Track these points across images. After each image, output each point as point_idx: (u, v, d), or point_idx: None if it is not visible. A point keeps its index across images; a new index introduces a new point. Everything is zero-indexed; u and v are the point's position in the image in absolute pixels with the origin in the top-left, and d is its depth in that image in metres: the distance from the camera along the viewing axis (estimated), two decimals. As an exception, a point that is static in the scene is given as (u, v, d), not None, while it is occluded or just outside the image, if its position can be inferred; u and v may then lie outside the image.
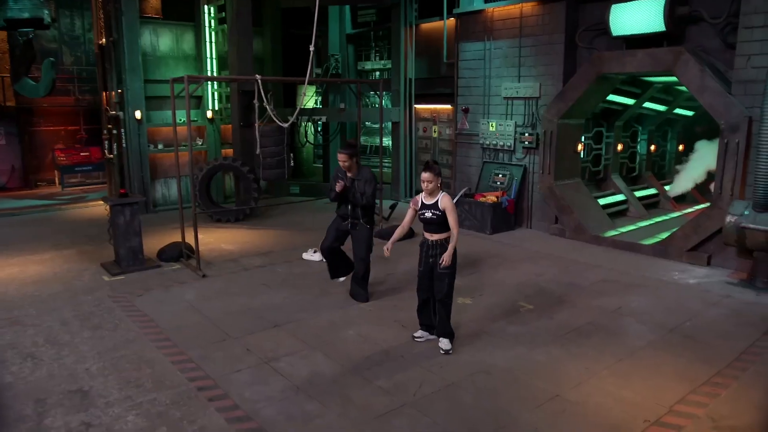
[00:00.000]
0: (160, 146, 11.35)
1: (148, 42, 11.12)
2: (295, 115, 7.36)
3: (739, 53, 7.11)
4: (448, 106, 11.76)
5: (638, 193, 10.84)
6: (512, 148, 9.92)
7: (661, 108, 10.85)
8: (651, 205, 10.98)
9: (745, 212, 6.83)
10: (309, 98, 14.00)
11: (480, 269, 7.30)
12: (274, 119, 7.59)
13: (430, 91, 12.19)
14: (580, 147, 9.66)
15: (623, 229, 9.30)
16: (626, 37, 8.18)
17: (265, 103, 7.46)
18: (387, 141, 15.91)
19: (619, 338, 5.13)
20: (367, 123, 16.98)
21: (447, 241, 4.75)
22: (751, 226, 6.71)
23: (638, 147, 11.32)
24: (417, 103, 12.51)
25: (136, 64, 10.58)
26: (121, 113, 10.68)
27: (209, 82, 11.77)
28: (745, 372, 4.44)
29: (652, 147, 11.64)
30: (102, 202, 8.20)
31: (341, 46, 14.16)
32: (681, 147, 12.29)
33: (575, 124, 9.46)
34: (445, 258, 4.67)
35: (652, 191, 11.24)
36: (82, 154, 14.84)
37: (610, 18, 8.18)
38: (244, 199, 10.59)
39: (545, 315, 5.70)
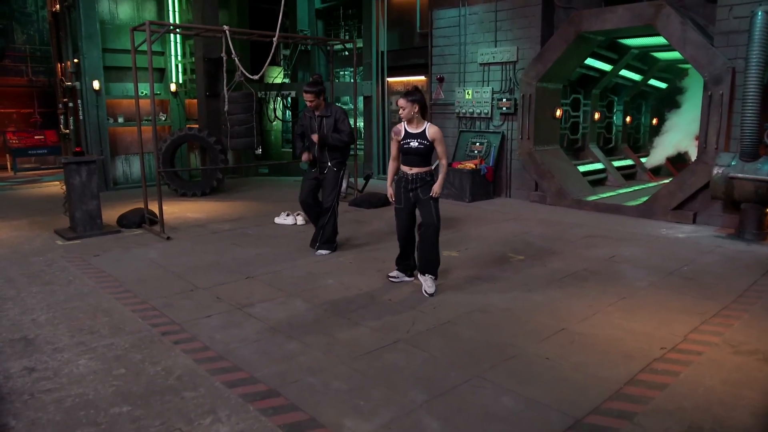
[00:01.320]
0: (120, 120, 10.68)
1: (106, 9, 10.45)
2: (265, 68, 6.89)
3: (721, 4, 6.98)
4: (422, 78, 11.44)
5: (616, 164, 10.72)
6: (489, 116, 9.65)
7: (637, 77, 10.78)
8: (628, 176, 10.87)
9: (732, 163, 6.69)
10: (277, 75, 13.49)
11: (462, 229, 6.97)
12: (245, 74, 7.13)
13: (404, 63, 11.86)
14: (559, 113, 9.45)
15: (603, 195, 9.14)
16: (606, -7, 8.00)
17: (233, 55, 6.97)
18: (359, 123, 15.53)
19: (619, 280, 4.86)
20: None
21: (428, 175, 4.42)
22: (739, 175, 6.57)
23: (614, 118, 11.22)
24: (390, 76, 12.16)
25: (93, 30, 9.91)
26: (77, 83, 9.99)
27: (172, 55, 11.16)
28: (754, 306, 4.20)
29: (628, 119, 11.57)
30: (57, 183, 7.54)
31: (310, 22, 13.73)
32: (655, 120, 12.27)
33: (553, 89, 9.25)
34: (436, 188, 4.33)
35: (629, 162, 11.16)
36: (36, 137, 13.97)
37: (590, -27, 7.99)
38: (210, 173, 10.02)
39: (537, 263, 5.39)
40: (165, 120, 11.34)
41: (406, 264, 4.77)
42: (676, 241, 6.41)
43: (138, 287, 4.64)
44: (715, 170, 6.77)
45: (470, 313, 4.06)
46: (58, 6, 10.19)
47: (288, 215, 7.41)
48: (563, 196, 8.72)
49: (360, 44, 12.13)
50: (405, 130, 4.41)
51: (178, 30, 8.17)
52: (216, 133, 10.04)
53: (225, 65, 7.23)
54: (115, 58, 10.52)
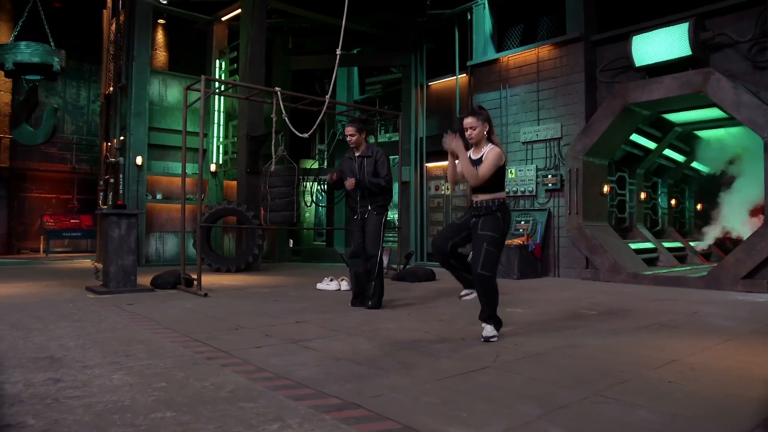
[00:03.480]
0: (159, 196, 10.70)
1: (156, 92, 10.94)
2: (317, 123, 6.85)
3: (773, 68, 6.93)
4: (444, 163, 11.43)
5: (666, 245, 10.22)
6: (534, 193, 9.43)
7: (680, 158, 10.60)
8: (678, 258, 10.31)
9: (811, 222, 6.21)
10: (313, 162, 13.71)
11: (518, 295, 6.43)
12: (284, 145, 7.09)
13: (443, 148, 11.92)
14: (606, 188, 9.19)
15: (661, 271, 8.55)
16: (649, 66, 8.05)
17: (283, 115, 6.99)
18: (393, 214, 15.46)
19: (713, 328, 4.24)
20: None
21: (494, 203, 3.73)
22: (823, 234, 6.04)
23: (659, 200, 10.89)
24: (428, 161, 12.22)
25: (142, 109, 10.28)
26: (121, 159, 10.17)
27: (214, 136, 11.44)
28: None
29: (673, 201, 11.24)
30: (89, 261, 7.33)
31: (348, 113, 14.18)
32: (699, 206, 11.91)
33: (599, 164, 9.07)
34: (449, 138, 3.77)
35: (678, 244, 10.63)
36: (72, 220, 14.10)
37: (632, 49, 8.11)
38: (246, 248, 9.76)
39: (615, 317, 4.80)
40: (203, 199, 11.32)
41: (467, 279, 4.01)
42: (759, 304, 5.76)
43: (177, 325, 4.17)
44: (794, 231, 6.27)
45: (560, 349, 3.48)
46: (112, 88, 10.69)
47: (331, 280, 6.97)
48: (618, 271, 8.16)
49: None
50: (470, 156, 3.88)
51: (230, 89, 8.22)
52: (255, 209, 9.94)
53: (274, 126, 7.22)
54: (159, 136, 10.81)
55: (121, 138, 10.37)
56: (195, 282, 6.58)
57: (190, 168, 11.51)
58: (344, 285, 6.89)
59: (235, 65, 11.17)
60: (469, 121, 3.84)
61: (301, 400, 2.38)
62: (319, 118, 7.00)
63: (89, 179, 14.91)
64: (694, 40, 7.50)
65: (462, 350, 3.43)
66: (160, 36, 14.24)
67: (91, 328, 4.02)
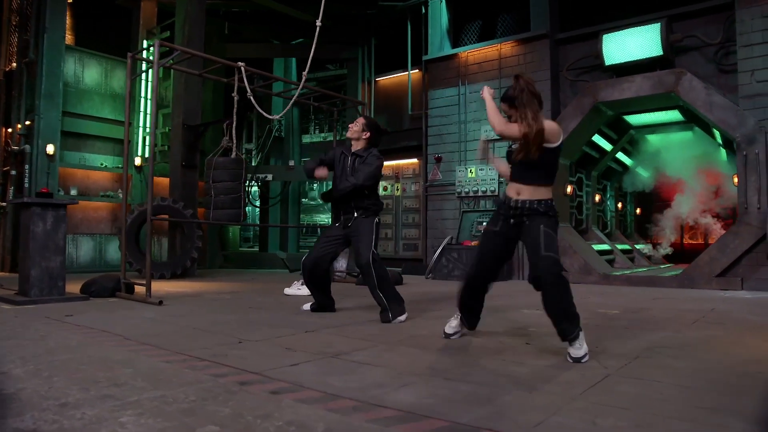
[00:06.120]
0: (73, 192, 9.13)
1: (71, 71, 9.38)
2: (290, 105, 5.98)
3: (742, 70, 7.06)
4: (415, 160, 10.91)
5: (618, 247, 10.33)
6: (496, 193, 9.09)
7: (629, 161, 10.82)
8: (629, 260, 10.48)
9: (790, 219, 6.31)
10: (254, 159, 12.58)
11: (507, 299, 5.94)
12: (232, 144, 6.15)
13: (393, 146, 11.35)
14: (569, 189, 9.07)
15: (627, 272, 8.51)
16: (618, 66, 8.01)
17: (249, 94, 6.03)
18: (326, 218, 14.65)
19: (760, 323, 3.95)
20: (304, 200, 15.71)
21: (542, 205, 2.93)
22: (804, 230, 6.14)
23: (608, 203, 11.05)
24: (376, 160, 11.57)
25: (55, 90, 8.72)
26: (27, 147, 8.54)
27: (140, 126, 10.04)
28: None
29: (619, 205, 11.47)
30: None
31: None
32: (638, 210, 12.29)
33: (563, 164, 8.93)
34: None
35: (627, 246, 10.81)
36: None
37: (603, 47, 8.03)
38: (182, 251, 8.53)
39: (644, 315, 4.41)
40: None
41: (471, 309, 3.28)
42: (754, 300, 5.69)
43: (153, 340, 3.17)
44: (772, 228, 6.33)
45: (651, 349, 2.96)
46: (14, 64, 9.01)
47: (302, 284, 6.07)
48: (589, 272, 7.98)
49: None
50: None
51: (182, 62, 6.97)
52: (192, 207, 8.75)
53: (236, 107, 6.23)
54: (75, 123, 9.28)
55: (27, 123, 8.73)
56: (137, 288, 5.47)
57: (110, 161, 10.02)
58: (317, 290, 6.03)
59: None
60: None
61: (441, 440, 1.62)
62: (293, 100, 6.12)
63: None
64: (666, 40, 7.53)
65: (545, 357, 2.80)
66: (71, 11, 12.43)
67: (35, 348, 2.92)
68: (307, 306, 4.67)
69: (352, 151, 4.48)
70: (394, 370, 2.50)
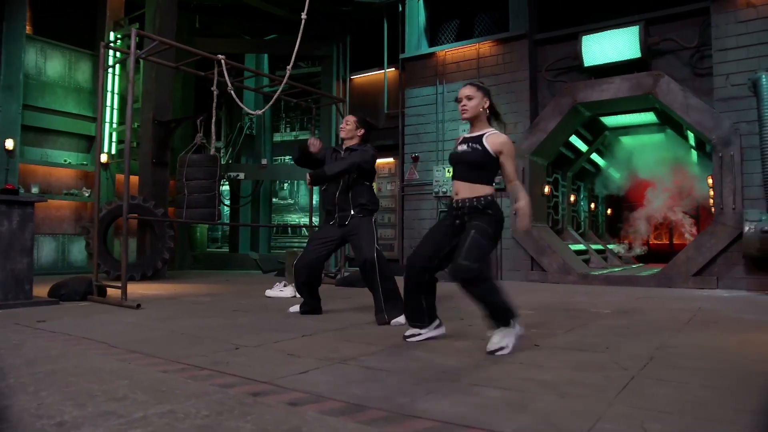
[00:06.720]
0: (35, 190, 8.63)
1: (32, 63, 8.87)
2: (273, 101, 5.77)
3: (717, 74, 7.21)
4: (391, 159, 10.82)
5: (594, 246, 10.47)
6: (475, 193, 9.06)
7: (602, 162, 10.98)
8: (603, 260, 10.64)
9: (762, 218, 6.47)
10: (224, 157, 12.23)
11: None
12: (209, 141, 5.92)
13: (369, 145, 11.21)
14: (547, 189, 9.12)
15: (603, 271, 8.62)
16: (597, 67, 8.10)
17: (229, 89, 5.79)
18: (303, 218, 14.42)
19: (753, 322, 3.99)
20: (274, 199, 15.41)
21: (481, 202, 2.97)
22: (778, 229, 6.31)
23: (582, 203, 11.19)
24: (352, 159, 11.41)
25: (14, 81, 8.23)
26: (-18, 141, 8.04)
27: (106, 122, 9.59)
28: None
29: (592, 205, 11.64)
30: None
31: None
32: (609, 211, 12.51)
33: (541, 164, 8.99)
34: (523, 220, 2.95)
35: (600, 246, 10.98)
36: None
37: (582, 49, 8.10)
38: (153, 252, 8.17)
39: (636, 315, 4.41)
40: (89, 196, 9.41)
41: (419, 313, 3.23)
42: (732, 299, 5.80)
43: (142, 347, 2.94)
44: (747, 227, 6.49)
45: (661, 349, 2.92)
46: (-31, 53, 8.45)
47: (285, 286, 5.89)
48: (568, 272, 8.03)
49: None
50: (463, 135, 3.18)
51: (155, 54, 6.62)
52: (163, 206, 8.41)
53: (215, 100, 5.97)
54: (36, 117, 8.79)
55: (-17, 116, 8.21)
56: (109, 291, 5.18)
57: (74, 157, 9.55)
58: (301, 292, 5.84)
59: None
60: (467, 91, 3.07)
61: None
62: (276, 95, 5.91)
63: None
64: (644, 43, 7.64)
65: (565, 353, 2.72)
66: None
67: (12, 359, 2.66)
68: (295, 308, 4.50)
69: (345, 147, 4.34)
70: (413, 376, 2.37)
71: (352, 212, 4.19)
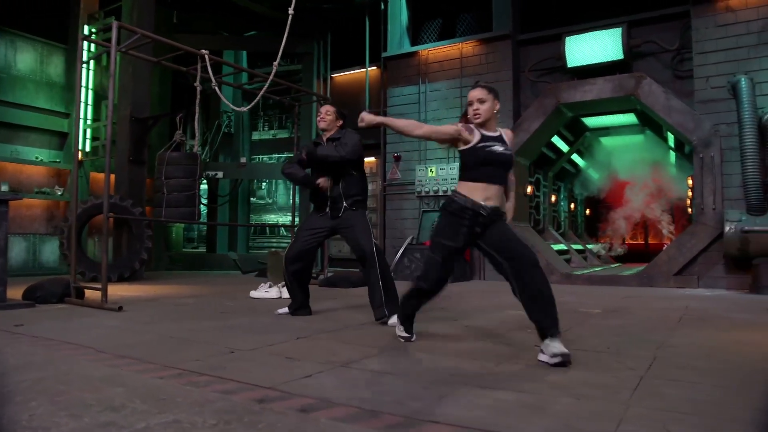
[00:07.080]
0: (4, 188, 8.29)
1: (2, 56, 8.52)
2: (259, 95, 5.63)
3: (697, 76, 7.34)
4: (372, 159, 10.74)
5: (574, 246, 10.58)
6: (458, 192, 9.06)
7: (583, 162, 11.11)
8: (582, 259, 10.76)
9: (743, 218, 6.60)
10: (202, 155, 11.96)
11: (481, 299, 5.88)
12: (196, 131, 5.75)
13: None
14: (529, 189, 9.17)
15: (585, 271, 8.70)
16: (580, 68, 8.16)
17: (214, 84, 5.63)
18: (282, 218, 14.25)
19: (739, 321, 4.05)
20: (252, 198, 15.18)
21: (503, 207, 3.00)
22: (756, 228, 6.44)
23: (562, 203, 11.30)
24: (333, 159, 11.29)
25: (-19, 74, 7.90)
26: (-52, 137, 7.68)
27: (81, 119, 9.27)
28: None
29: (572, 205, 11.76)
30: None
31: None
32: (588, 211, 12.66)
33: (523, 165, 9.03)
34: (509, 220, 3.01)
35: (579, 246, 11.10)
36: None
37: (566, 50, 8.15)
38: (131, 253, 7.93)
39: (627, 315, 4.44)
40: (61, 195, 9.08)
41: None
42: (715, 298, 5.90)
43: (131, 351, 2.81)
44: (727, 227, 6.61)
45: (662, 349, 2.91)
46: (-66, 45, 8.09)
47: (270, 286, 5.75)
48: (551, 271, 8.06)
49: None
50: (480, 132, 2.97)
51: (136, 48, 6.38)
52: (140, 205, 8.17)
53: (199, 96, 5.80)
54: (6, 113, 8.44)
55: (-51, 110, 7.86)
56: (87, 293, 4.99)
57: (46, 154, 9.22)
58: (286, 292, 5.72)
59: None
60: (477, 93, 2.98)
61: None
62: (262, 92, 5.77)
63: None
64: (627, 45, 7.73)
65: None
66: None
67: (-7, 366, 2.51)
68: (283, 309, 4.39)
69: (326, 138, 4.26)
70: (420, 379, 2.30)
71: (345, 204, 4.10)
